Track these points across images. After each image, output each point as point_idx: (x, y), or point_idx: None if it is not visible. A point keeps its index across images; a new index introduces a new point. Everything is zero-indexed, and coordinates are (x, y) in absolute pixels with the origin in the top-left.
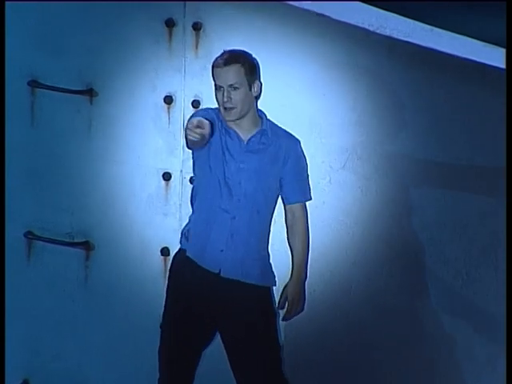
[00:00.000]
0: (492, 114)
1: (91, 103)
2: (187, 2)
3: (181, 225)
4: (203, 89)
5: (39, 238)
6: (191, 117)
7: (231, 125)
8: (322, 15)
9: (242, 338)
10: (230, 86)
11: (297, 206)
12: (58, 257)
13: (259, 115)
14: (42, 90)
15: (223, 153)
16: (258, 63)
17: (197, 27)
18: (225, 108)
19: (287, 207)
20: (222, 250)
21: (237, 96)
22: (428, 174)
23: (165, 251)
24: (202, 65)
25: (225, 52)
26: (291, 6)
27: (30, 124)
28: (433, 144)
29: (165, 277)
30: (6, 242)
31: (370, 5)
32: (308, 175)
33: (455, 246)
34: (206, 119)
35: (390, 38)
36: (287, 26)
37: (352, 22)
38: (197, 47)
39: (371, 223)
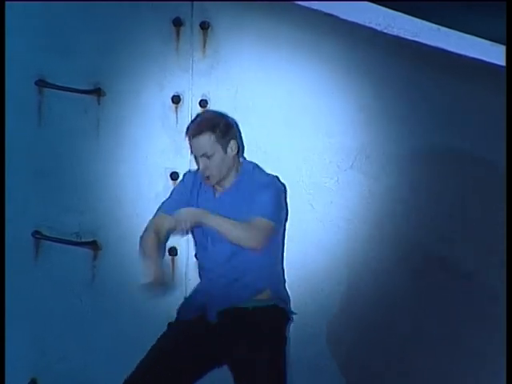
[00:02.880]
0: (502, 115)
1: (99, 103)
2: (195, 2)
3: None
4: (211, 88)
5: (47, 238)
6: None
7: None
8: (330, 15)
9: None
10: (203, 155)
11: (250, 219)
12: (66, 256)
13: (242, 167)
14: (49, 89)
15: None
16: (231, 122)
17: (204, 26)
18: (204, 175)
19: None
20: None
21: (212, 163)
22: (436, 174)
23: (172, 251)
24: (210, 64)
25: (195, 119)
26: (299, 5)
27: (38, 124)
28: (441, 144)
29: (173, 277)
30: (14, 241)
31: (378, 4)
32: (273, 197)
33: (464, 245)
34: None
35: (397, 37)
36: (295, 25)
37: (359, 21)
38: (204, 46)
39: (379, 223)
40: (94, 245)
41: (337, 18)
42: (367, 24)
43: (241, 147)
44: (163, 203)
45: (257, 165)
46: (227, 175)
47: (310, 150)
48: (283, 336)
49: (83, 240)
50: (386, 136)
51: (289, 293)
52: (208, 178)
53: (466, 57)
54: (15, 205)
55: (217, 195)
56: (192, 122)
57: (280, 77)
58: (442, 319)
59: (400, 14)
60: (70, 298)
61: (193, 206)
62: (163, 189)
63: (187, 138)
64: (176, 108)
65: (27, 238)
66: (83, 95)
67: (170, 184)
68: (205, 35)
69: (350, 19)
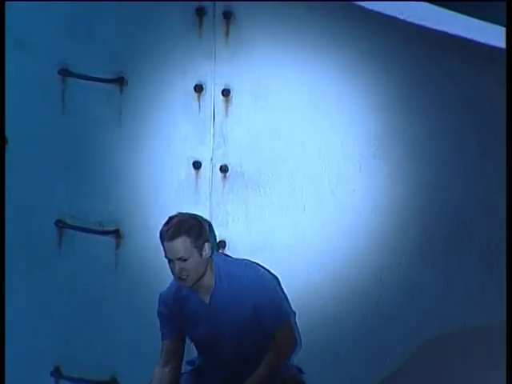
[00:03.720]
0: None
1: (121, 92)
2: None
3: (211, 213)
4: (233, 77)
5: (70, 227)
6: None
7: (193, 288)
8: (351, 2)
9: None
10: (179, 258)
11: (275, 335)
12: (89, 245)
13: (214, 263)
14: (72, 78)
15: (189, 317)
16: (205, 224)
17: (227, 15)
18: (180, 277)
19: (272, 337)
20: None
21: (187, 265)
22: (459, 158)
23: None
24: (233, 52)
25: (169, 222)
26: None
27: (61, 113)
28: (463, 129)
29: None
30: (37, 230)
31: None
32: (281, 298)
33: (487, 229)
34: None
35: (417, 24)
36: (317, 12)
37: (379, 9)
38: (227, 35)
39: (401, 210)
40: (116, 233)
41: (358, 5)
42: (388, 12)
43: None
44: (162, 334)
45: (225, 256)
46: (202, 276)
47: (333, 137)
48: None
49: (106, 229)
50: (408, 123)
51: None
52: (184, 279)
53: (487, 45)
54: (39, 194)
55: (206, 301)
56: (165, 224)
57: (303, 64)
58: (469, 303)
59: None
60: (93, 287)
61: (183, 316)
62: (185, 177)
63: (162, 239)
64: (198, 97)
65: (50, 227)
66: (106, 84)
67: (193, 173)
68: (227, 24)
69: (369, 7)
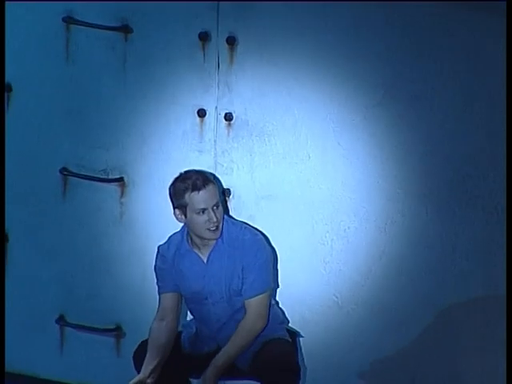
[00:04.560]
0: None
1: (126, 40)
2: None
3: (215, 162)
4: (238, 26)
5: (75, 175)
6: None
7: (193, 245)
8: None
9: None
10: (215, 204)
11: (248, 302)
12: (93, 193)
13: None
14: (77, 26)
15: (185, 274)
16: None
17: None
18: (210, 229)
19: (244, 303)
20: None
21: (219, 214)
22: (465, 109)
23: None
24: (237, 2)
25: (191, 174)
26: None
27: (65, 61)
28: (471, 79)
29: None
30: (42, 178)
31: None
32: (266, 267)
33: (491, 181)
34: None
35: None
36: None
37: None
38: None
39: (406, 160)
40: (121, 182)
41: None
42: None
43: None
44: (159, 288)
45: (227, 217)
46: None
47: (338, 86)
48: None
49: (110, 177)
50: (414, 72)
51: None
52: (217, 228)
53: None
54: (43, 142)
55: (204, 259)
56: (185, 178)
57: (307, 15)
58: (473, 259)
59: None
60: (97, 235)
61: (179, 272)
62: (190, 126)
63: (191, 192)
64: (203, 45)
65: (55, 175)
66: (110, 32)
67: (198, 121)
68: None
69: None
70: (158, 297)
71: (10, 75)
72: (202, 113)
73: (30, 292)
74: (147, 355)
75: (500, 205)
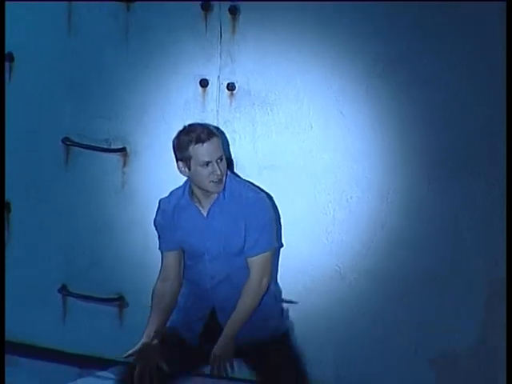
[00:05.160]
0: None
1: (128, 10)
2: None
3: None
4: None
5: (77, 144)
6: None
7: (194, 199)
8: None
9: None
10: (219, 157)
11: (252, 260)
12: (95, 163)
13: None
14: None
15: (184, 228)
16: None
17: None
18: (214, 181)
19: (247, 262)
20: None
21: (223, 167)
22: (467, 81)
23: None
24: None
25: (196, 127)
26: None
27: (67, 32)
28: (472, 51)
29: None
30: (44, 148)
31: None
32: (269, 226)
33: (491, 151)
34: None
35: None
36: None
37: None
38: None
39: (407, 132)
40: (123, 151)
41: None
42: None
43: None
44: (160, 245)
45: (231, 174)
46: None
47: (341, 56)
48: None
49: (113, 147)
50: (416, 44)
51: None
52: (221, 181)
53: None
54: (45, 112)
55: (204, 213)
56: (189, 131)
57: None
58: (474, 230)
59: None
60: (99, 205)
61: (178, 226)
62: (192, 96)
63: (195, 145)
64: (205, 15)
65: (57, 145)
66: (112, 2)
67: (200, 91)
68: None
69: None
70: (160, 266)
71: (12, 45)
72: (204, 83)
73: (32, 262)
74: (151, 316)
75: (500, 175)
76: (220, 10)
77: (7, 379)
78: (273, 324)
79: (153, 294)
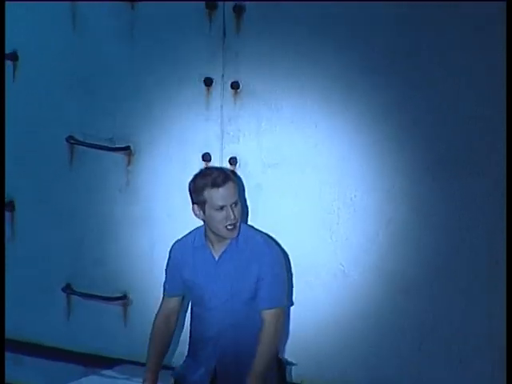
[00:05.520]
0: None
1: (132, 8)
2: None
3: (222, 129)
4: None
5: (81, 143)
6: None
7: (208, 242)
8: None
9: None
10: (232, 203)
11: (265, 313)
12: (100, 162)
13: None
14: None
15: (196, 269)
16: None
17: None
18: (228, 228)
19: (261, 314)
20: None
21: (237, 212)
22: (468, 81)
23: (206, 156)
24: None
25: (212, 171)
26: None
27: (72, 31)
28: (472, 51)
29: None
30: (49, 146)
31: None
32: (283, 281)
33: (492, 149)
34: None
35: None
36: None
37: None
38: None
39: (412, 125)
40: (127, 150)
41: None
42: None
43: None
44: (165, 289)
45: (248, 225)
46: None
47: (343, 53)
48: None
49: (117, 145)
50: (415, 38)
51: None
52: (236, 227)
53: None
54: (50, 110)
55: (216, 257)
56: (205, 175)
57: None
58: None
59: None
60: (104, 204)
61: (190, 266)
62: (197, 94)
63: (211, 188)
64: (209, 14)
65: (61, 144)
66: (117, 0)
67: (204, 89)
68: None
69: None
70: (164, 269)
71: (16, 44)
72: (208, 82)
73: (37, 260)
74: (151, 353)
75: (502, 170)
76: (224, 9)
77: (12, 378)
78: None
79: (154, 329)
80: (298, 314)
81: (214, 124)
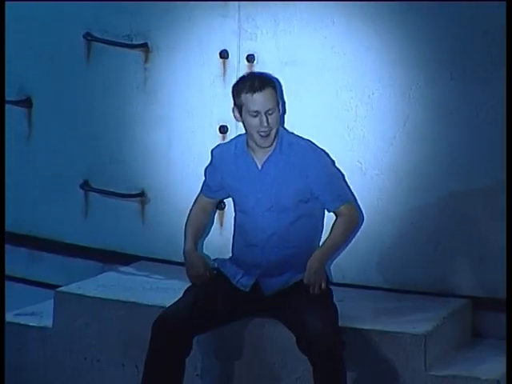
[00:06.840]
0: None
1: None
2: None
3: (239, 26)
4: None
5: (98, 40)
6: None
7: (249, 150)
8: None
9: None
10: (267, 111)
11: (339, 211)
12: (117, 59)
13: (279, 135)
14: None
15: (239, 175)
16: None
17: None
18: (261, 135)
19: (335, 213)
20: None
21: (273, 120)
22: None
23: (223, 54)
24: None
25: (253, 76)
26: None
27: None
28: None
29: (223, 79)
30: (66, 42)
31: None
32: (340, 178)
33: None
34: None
35: None
36: None
37: None
38: None
39: (430, 22)
40: (145, 47)
41: None
42: None
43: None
44: (203, 189)
45: (289, 131)
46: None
47: None
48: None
49: (134, 42)
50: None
51: None
52: (269, 135)
53: None
54: (66, 5)
55: (259, 165)
56: (246, 78)
57: None
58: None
59: None
60: (121, 101)
61: (233, 172)
62: None
63: (247, 93)
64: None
65: (79, 40)
66: None
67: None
68: None
69: None
70: (182, 163)
71: None
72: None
73: (53, 158)
74: (189, 230)
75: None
76: None
77: (30, 274)
78: None
79: (191, 214)
80: None
81: (231, 21)
